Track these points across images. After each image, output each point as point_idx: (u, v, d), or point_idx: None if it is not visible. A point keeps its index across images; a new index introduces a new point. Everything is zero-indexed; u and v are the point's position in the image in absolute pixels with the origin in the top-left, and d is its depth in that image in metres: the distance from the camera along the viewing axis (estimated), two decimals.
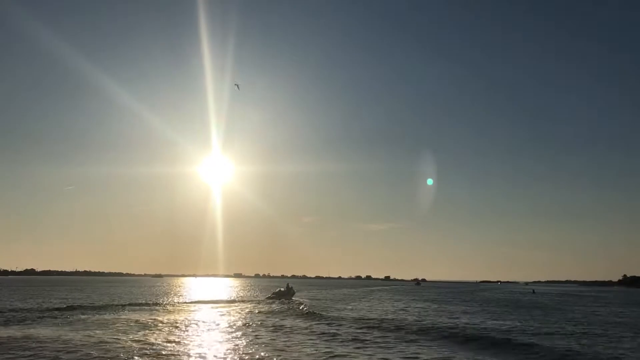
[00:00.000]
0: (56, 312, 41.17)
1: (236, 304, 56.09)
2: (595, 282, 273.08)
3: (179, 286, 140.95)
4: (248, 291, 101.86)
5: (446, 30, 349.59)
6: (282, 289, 67.96)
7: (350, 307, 53.54)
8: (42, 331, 27.98)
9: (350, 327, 32.65)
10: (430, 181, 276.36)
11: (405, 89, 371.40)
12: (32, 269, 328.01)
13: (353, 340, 26.61)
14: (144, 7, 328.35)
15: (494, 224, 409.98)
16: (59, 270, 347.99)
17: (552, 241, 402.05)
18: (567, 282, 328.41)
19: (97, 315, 38.44)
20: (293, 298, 65.15)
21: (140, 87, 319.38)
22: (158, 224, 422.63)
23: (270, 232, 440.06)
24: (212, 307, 51.13)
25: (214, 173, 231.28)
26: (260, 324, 34.05)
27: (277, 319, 37.31)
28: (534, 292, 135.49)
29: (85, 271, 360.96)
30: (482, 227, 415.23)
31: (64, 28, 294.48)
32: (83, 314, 39.86)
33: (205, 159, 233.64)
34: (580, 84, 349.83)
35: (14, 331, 27.88)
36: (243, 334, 28.41)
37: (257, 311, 45.59)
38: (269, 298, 65.49)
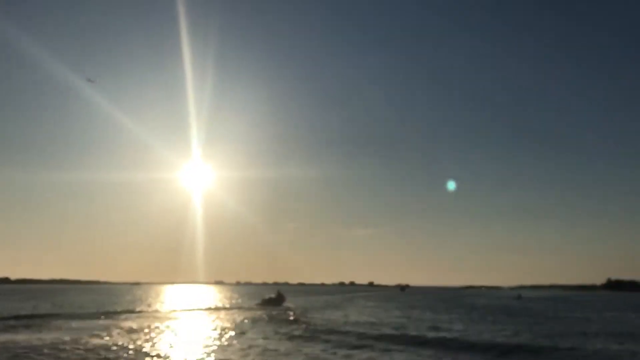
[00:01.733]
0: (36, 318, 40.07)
1: (226, 312, 53.02)
2: (580, 286, 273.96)
3: (160, 294, 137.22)
4: (236, 299, 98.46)
5: (441, 27, 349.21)
6: (272, 296, 64.89)
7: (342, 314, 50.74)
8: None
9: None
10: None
11: (393, 90, 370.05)
12: (6, 278, 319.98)
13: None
14: (122, 8, 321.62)
15: (477, 229, 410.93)
16: (35, 278, 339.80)
17: (535, 245, 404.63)
18: (551, 286, 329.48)
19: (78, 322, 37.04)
20: (284, 304, 62.11)
21: (118, 90, 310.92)
22: (136, 231, 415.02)
23: (251, 239, 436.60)
24: (202, 315, 48.07)
25: (194, 179, 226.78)
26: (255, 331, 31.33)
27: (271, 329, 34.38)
28: (520, 297, 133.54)
29: (61, 279, 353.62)
30: (465, 232, 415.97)
31: (38, 28, 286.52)
32: (65, 320, 39.02)
33: (185, 164, 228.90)
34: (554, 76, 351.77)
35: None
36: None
37: (243, 318, 42.67)
38: (258, 305, 62.27)
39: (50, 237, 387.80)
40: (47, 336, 27.83)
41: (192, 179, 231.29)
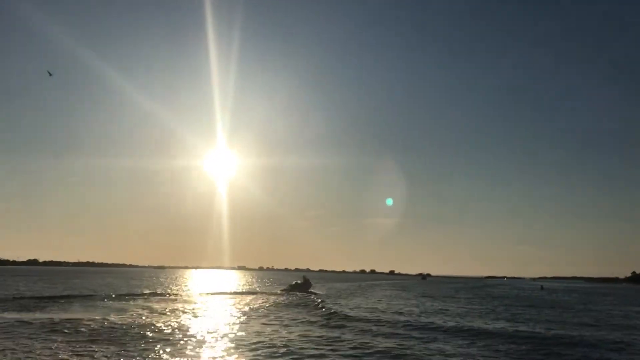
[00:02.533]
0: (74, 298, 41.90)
1: (256, 296, 54.58)
2: (603, 278, 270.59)
3: (188, 278, 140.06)
4: (261, 283, 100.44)
5: (452, 29, 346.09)
6: (299, 281, 66.24)
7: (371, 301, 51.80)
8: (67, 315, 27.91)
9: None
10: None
11: (413, 84, 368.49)
12: (34, 260, 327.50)
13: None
14: (151, 1, 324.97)
15: (499, 220, 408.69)
16: (62, 260, 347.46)
17: (557, 237, 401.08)
18: (573, 278, 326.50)
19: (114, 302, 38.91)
20: (310, 290, 63.44)
21: (146, 80, 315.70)
22: (162, 217, 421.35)
23: (274, 225, 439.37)
24: (233, 299, 49.68)
25: (219, 166, 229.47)
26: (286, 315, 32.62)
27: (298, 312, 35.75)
28: (542, 288, 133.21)
29: (87, 262, 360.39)
30: (487, 223, 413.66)
31: (69, 21, 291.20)
32: (102, 299, 41.05)
33: (211, 152, 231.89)
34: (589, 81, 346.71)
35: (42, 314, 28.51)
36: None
37: (276, 302, 44.22)
38: (284, 290, 63.75)
39: (78, 220, 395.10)
40: (77, 315, 29.37)
41: (216, 166, 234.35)
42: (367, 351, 19.91)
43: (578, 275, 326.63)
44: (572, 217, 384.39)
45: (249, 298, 51.00)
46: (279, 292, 62.93)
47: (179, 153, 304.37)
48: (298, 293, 59.48)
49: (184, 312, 33.79)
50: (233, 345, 20.86)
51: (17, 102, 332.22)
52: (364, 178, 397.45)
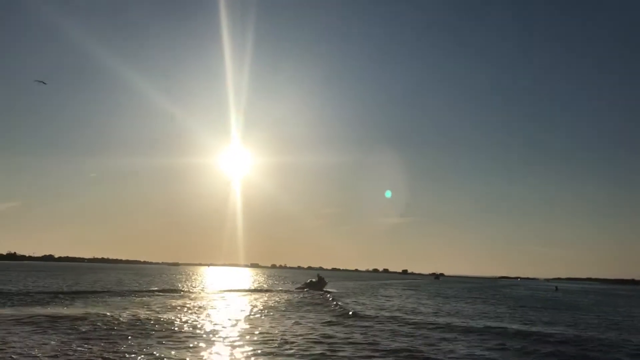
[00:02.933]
0: (90, 294, 42.31)
1: (271, 294, 54.97)
2: (619, 280, 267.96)
3: (202, 274, 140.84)
4: (276, 281, 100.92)
5: (465, 28, 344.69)
6: (314, 280, 66.60)
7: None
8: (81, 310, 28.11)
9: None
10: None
11: (431, 82, 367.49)
12: (50, 255, 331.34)
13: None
14: (166, 1, 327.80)
15: (513, 220, 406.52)
16: (78, 256, 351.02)
17: (571, 238, 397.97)
18: (588, 279, 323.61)
19: (129, 298, 39.47)
20: (324, 289, 63.73)
21: (162, 80, 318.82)
22: (177, 214, 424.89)
23: (288, 223, 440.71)
24: (249, 296, 50.13)
25: (234, 164, 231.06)
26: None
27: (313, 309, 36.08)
28: (557, 289, 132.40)
29: (102, 258, 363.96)
30: (501, 223, 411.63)
31: (86, 20, 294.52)
32: (118, 295, 41.33)
33: (225, 150, 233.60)
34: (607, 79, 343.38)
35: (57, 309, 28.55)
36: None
37: (291, 300, 44.62)
38: (299, 288, 64.14)
39: (94, 217, 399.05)
40: (92, 310, 29.94)
41: (231, 164, 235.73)
42: (377, 350, 20.10)
43: (593, 276, 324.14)
44: (587, 218, 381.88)
45: (265, 295, 51.39)
46: (294, 289, 63.33)
47: (194, 151, 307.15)
48: (312, 291, 59.84)
49: (198, 309, 34.17)
50: (245, 341, 21.12)
51: (36, 102, 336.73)
52: (378, 177, 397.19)
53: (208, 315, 30.28)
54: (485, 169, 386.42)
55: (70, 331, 21.73)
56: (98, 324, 24.07)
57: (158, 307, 33.74)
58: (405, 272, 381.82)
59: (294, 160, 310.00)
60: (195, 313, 31.29)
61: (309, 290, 61.30)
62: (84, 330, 22.23)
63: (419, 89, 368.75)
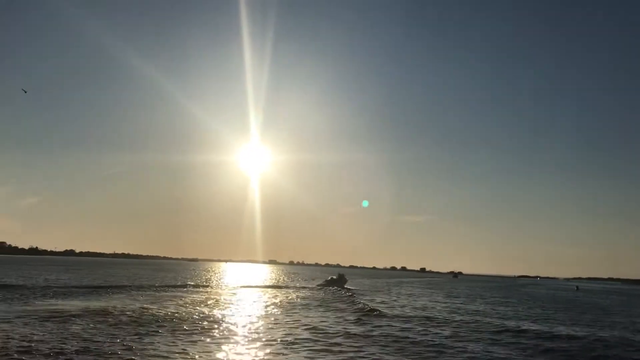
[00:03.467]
0: (122, 288, 43.57)
1: (294, 290, 55.63)
2: (639, 280, 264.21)
3: (221, 270, 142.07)
4: (296, 278, 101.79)
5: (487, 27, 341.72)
6: (334, 277, 67.22)
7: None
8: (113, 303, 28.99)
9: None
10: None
11: (450, 81, 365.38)
12: (71, 250, 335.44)
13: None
14: (189, 5, 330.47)
15: (531, 218, 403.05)
16: (99, 252, 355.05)
17: (591, 237, 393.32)
18: (609, 279, 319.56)
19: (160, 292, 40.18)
20: (345, 286, 64.27)
21: (181, 76, 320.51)
22: (196, 210, 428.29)
23: (306, 220, 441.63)
24: (271, 292, 50.79)
25: (253, 161, 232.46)
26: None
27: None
28: (577, 288, 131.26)
29: (123, 253, 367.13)
30: (519, 221, 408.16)
31: (108, 18, 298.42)
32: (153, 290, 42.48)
33: (244, 147, 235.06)
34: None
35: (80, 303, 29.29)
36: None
37: (313, 296, 45.23)
38: (321, 285, 64.72)
39: (115, 213, 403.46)
40: (116, 303, 31.16)
41: (250, 162, 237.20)
42: (396, 345, 20.45)
43: (614, 276, 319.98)
44: (607, 216, 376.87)
45: (290, 292, 52.18)
46: (316, 286, 63.92)
47: (214, 149, 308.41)
48: (332, 288, 60.33)
49: (230, 304, 34.97)
50: (265, 336, 21.74)
51: (58, 99, 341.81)
52: (398, 175, 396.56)
53: (240, 310, 31.10)
54: (506, 167, 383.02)
55: (102, 323, 22.72)
56: (134, 315, 25.28)
57: (190, 301, 34.89)
58: (423, 270, 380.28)
59: (313, 157, 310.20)
60: (229, 307, 32.25)
61: (330, 287, 61.78)
62: (123, 320, 23.42)
63: (440, 85, 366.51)
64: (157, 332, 21.29)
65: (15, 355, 15.87)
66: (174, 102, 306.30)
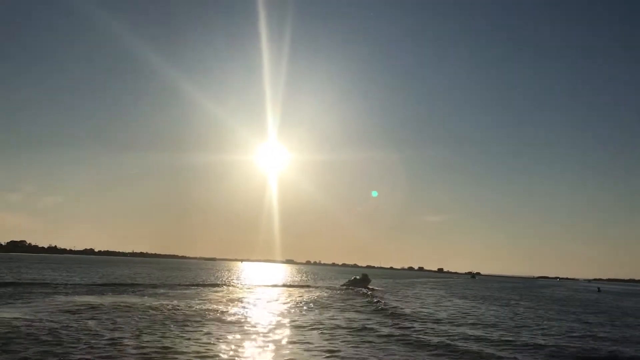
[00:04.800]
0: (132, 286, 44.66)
1: (319, 289, 55.74)
2: None
3: (242, 270, 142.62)
4: (318, 278, 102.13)
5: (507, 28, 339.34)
6: (358, 277, 67.55)
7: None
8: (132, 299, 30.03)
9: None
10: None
11: (468, 81, 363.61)
12: (91, 249, 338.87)
13: None
14: (207, 3, 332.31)
15: (550, 219, 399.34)
16: (117, 250, 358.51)
17: (611, 238, 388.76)
18: (631, 281, 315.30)
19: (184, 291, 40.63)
20: (369, 286, 64.41)
21: (200, 76, 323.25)
22: (214, 209, 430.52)
23: (323, 220, 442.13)
24: (297, 292, 50.99)
25: (270, 160, 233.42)
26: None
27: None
28: (599, 290, 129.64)
29: (141, 252, 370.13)
30: (537, 222, 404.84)
31: (131, 19, 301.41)
32: (179, 288, 42.59)
33: (262, 146, 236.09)
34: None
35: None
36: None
37: (340, 296, 45.33)
38: (345, 285, 64.87)
39: (134, 213, 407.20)
40: (147, 300, 31.99)
41: (267, 161, 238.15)
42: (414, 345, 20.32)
43: (636, 277, 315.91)
44: (627, 217, 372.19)
45: (316, 291, 52.51)
46: (340, 286, 64.08)
47: (232, 148, 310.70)
48: (356, 288, 60.33)
49: (247, 303, 35.13)
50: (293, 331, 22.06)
51: (81, 100, 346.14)
52: (415, 174, 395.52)
53: (272, 308, 31.30)
54: (524, 167, 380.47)
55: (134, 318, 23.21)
56: (166, 313, 25.76)
57: (213, 299, 35.22)
58: (440, 270, 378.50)
59: (330, 156, 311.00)
60: (259, 306, 32.54)
61: (353, 287, 61.85)
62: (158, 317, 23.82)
63: (459, 85, 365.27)
64: (187, 326, 21.74)
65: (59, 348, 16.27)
66: (193, 104, 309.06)
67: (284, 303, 36.29)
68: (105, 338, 17.86)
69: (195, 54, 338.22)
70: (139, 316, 23.98)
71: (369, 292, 53.58)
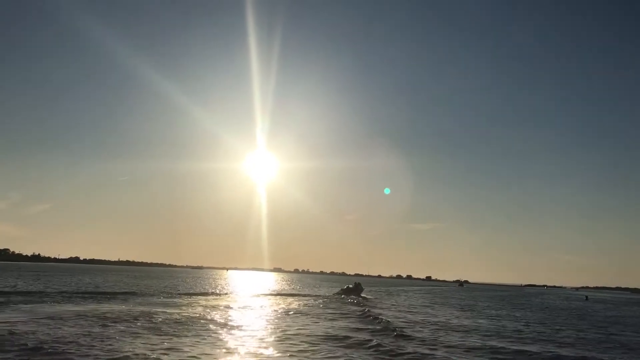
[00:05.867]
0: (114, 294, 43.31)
1: (312, 299, 55.06)
2: None
3: (230, 278, 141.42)
4: (309, 286, 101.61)
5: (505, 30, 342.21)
6: (351, 286, 67.51)
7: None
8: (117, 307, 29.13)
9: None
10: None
11: (458, 88, 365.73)
12: (76, 257, 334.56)
13: None
14: (193, 5, 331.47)
15: (538, 227, 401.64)
16: (103, 259, 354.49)
17: (599, 246, 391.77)
18: (617, 289, 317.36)
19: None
20: (362, 295, 64.30)
21: (188, 83, 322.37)
22: (202, 218, 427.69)
23: (311, 228, 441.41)
24: (290, 300, 50.28)
25: (259, 169, 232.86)
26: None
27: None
28: (587, 298, 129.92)
29: (127, 261, 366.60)
30: (525, 230, 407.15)
31: (112, 22, 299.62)
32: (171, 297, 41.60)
33: (250, 154, 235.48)
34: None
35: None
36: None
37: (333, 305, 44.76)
38: (337, 294, 64.67)
39: (120, 221, 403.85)
40: (122, 307, 31.31)
41: (256, 169, 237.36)
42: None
43: (622, 285, 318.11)
44: (613, 225, 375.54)
45: (310, 299, 52.05)
46: (333, 295, 63.70)
47: (220, 156, 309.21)
48: (348, 297, 59.88)
49: (238, 312, 34.46)
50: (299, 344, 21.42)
51: (66, 107, 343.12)
52: (403, 182, 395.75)
53: (264, 317, 30.70)
54: (511, 175, 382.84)
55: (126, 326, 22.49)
56: (166, 320, 25.16)
57: (201, 308, 34.51)
58: (429, 278, 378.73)
59: (319, 164, 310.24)
60: (249, 316, 31.86)
61: (346, 296, 61.58)
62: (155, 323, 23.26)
63: (449, 92, 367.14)
64: (175, 336, 21.18)
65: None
66: (180, 110, 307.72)
67: (282, 312, 35.65)
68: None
69: (184, 62, 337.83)
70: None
71: (360, 301, 53.40)
